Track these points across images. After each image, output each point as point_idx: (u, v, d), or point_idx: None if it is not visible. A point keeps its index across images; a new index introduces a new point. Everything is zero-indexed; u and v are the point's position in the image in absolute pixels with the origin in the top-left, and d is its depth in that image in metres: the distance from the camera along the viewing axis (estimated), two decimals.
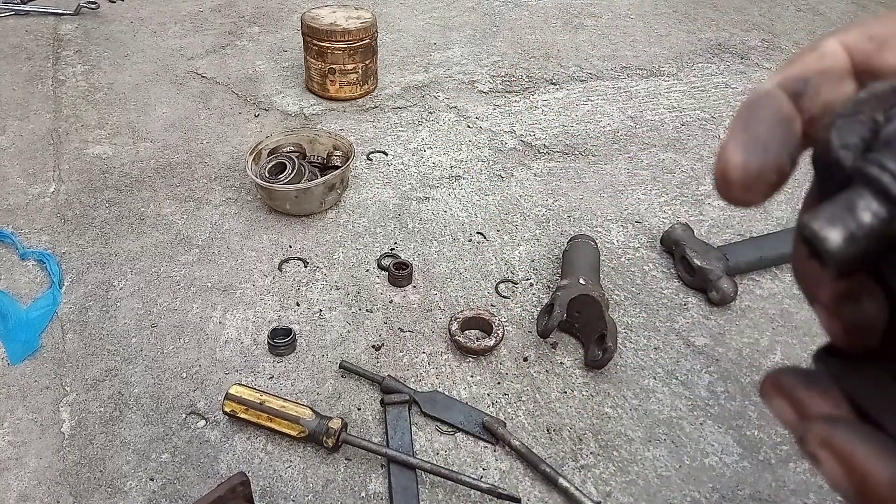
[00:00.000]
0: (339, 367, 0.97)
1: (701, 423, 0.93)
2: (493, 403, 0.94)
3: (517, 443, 0.87)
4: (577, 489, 0.82)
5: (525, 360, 1.00)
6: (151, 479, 0.85)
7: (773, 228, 1.24)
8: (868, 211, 0.15)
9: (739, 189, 0.19)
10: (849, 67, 0.21)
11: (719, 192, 0.20)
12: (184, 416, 0.92)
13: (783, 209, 1.29)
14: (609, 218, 1.28)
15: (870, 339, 0.18)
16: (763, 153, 0.19)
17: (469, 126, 1.53)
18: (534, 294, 1.11)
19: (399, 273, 1.11)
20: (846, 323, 0.18)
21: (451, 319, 1.02)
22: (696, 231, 1.19)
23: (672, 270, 1.16)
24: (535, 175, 1.39)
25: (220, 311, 1.07)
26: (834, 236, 0.15)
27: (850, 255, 0.15)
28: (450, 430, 0.91)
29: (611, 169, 1.41)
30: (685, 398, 0.96)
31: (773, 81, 0.21)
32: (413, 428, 0.91)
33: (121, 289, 1.11)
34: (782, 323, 1.08)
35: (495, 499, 0.81)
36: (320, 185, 1.20)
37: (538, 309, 1.07)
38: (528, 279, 1.14)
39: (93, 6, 1.97)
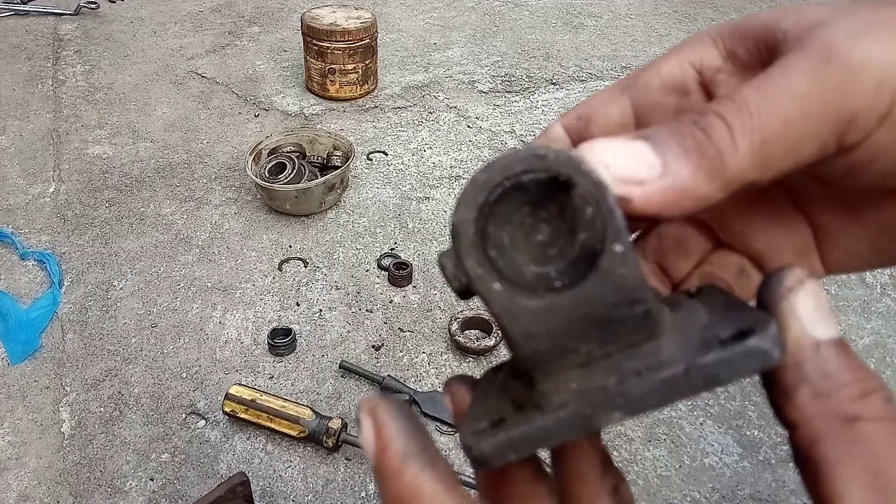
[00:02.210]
0: (339, 367, 0.97)
1: (701, 423, 0.93)
2: None
3: None
4: None
5: None
6: (151, 479, 0.85)
7: None
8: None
9: None
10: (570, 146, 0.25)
11: None
12: (184, 416, 0.92)
13: None
14: None
15: None
16: None
17: (469, 126, 1.54)
18: None
19: (399, 273, 1.11)
20: None
21: (451, 319, 1.02)
22: None
23: None
24: None
25: (220, 311, 1.07)
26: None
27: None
28: (450, 429, 0.91)
29: None
30: None
31: None
32: None
33: (121, 289, 1.11)
34: None
35: None
36: (320, 185, 1.20)
37: None
38: None
39: (93, 6, 1.97)
